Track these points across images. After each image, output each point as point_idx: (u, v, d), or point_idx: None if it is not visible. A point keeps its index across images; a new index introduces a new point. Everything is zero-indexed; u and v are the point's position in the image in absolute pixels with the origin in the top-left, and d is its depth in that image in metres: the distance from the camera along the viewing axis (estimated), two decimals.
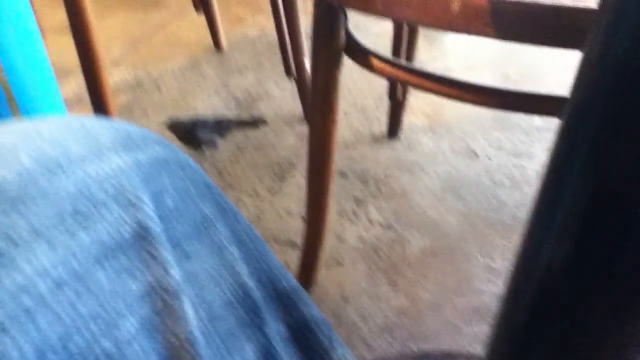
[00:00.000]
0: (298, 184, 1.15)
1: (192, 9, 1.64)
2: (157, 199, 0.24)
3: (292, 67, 1.22)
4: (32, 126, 0.24)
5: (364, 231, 1.03)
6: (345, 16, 0.67)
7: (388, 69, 0.66)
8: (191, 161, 0.28)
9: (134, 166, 0.24)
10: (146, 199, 0.24)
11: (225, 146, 1.26)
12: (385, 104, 1.36)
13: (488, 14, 0.49)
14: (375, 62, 0.66)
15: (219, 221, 0.27)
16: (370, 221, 1.06)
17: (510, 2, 0.47)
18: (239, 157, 1.23)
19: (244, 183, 1.16)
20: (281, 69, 1.51)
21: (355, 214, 1.07)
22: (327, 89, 0.71)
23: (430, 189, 1.12)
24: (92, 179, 0.22)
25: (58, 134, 0.23)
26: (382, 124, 1.30)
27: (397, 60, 0.67)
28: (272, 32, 1.73)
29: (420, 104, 1.36)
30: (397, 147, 1.24)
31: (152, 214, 0.23)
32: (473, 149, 1.22)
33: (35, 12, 1.55)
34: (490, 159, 1.18)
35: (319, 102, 0.73)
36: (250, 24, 1.80)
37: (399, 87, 1.16)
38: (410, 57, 1.11)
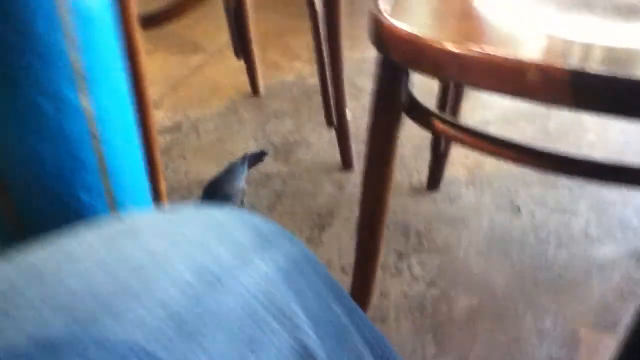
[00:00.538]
0: (337, 234, 1.14)
1: (229, 52, 1.66)
2: (304, 307, 0.23)
3: (333, 115, 1.22)
4: (169, 224, 0.23)
5: (407, 286, 1.01)
6: (408, 77, 0.66)
7: (451, 131, 0.65)
8: (314, 256, 0.27)
9: (277, 271, 0.23)
10: (298, 310, 0.23)
11: (263, 193, 1.26)
12: (423, 154, 1.35)
13: (568, 85, 0.48)
14: (438, 124, 0.65)
15: (351, 324, 0.26)
16: (414, 276, 1.03)
17: (596, 74, 0.46)
18: (276, 204, 1.23)
19: None
20: (318, 115, 1.51)
21: (397, 267, 1.05)
22: (384, 148, 0.71)
23: (473, 244, 1.10)
24: (249, 293, 0.22)
25: (200, 235, 0.23)
26: (420, 175, 1.29)
27: (459, 123, 0.66)
28: (308, 78, 1.75)
29: (460, 156, 1.35)
30: (437, 199, 1.22)
31: (309, 331, 0.23)
32: (515, 203, 1.19)
33: None
34: (533, 215, 1.16)
35: (375, 160, 0.72)
36: (287, 70, 1.82)
37: (443, 140, 1.15)
38: (455, 111, 1.10)
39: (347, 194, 1.25)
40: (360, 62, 1.81)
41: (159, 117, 1.58)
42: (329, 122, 1.23)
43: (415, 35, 0.56)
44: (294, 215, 1.19)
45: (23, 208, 0.34)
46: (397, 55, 0.60)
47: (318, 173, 1.32)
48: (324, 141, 1.44)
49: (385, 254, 1.08)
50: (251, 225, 0.25)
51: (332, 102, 1.20)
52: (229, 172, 1.19)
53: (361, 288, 0.85)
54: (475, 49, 0.51)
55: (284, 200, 1.24)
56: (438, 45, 0.53)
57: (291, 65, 1.84)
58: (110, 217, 0.27)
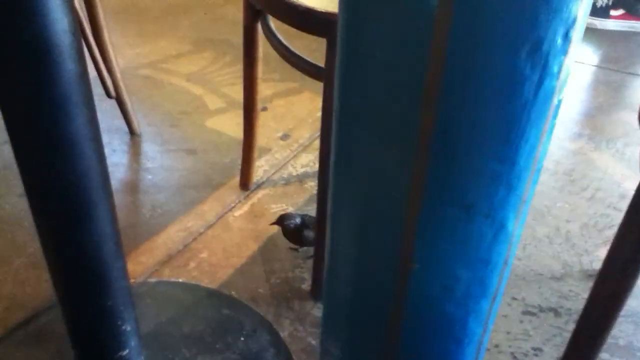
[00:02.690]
0: (503, 314, 1.06)
1: None
2: None
3: None
4: None
5: None
6: None
7: None
8: None
9: None
10: None
11: None
12: (592, 233, 1.26)
13: None
14: None
15: None
16: None
17: None
18: None
19: None
20: None
21: None
22: None
23: None
24: None
25: None
26: (591, 256, 1.19)
27: None
28: None
29: None
30: None
31: None
32: None
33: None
34: None
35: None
36: None
37: None
38: None
39: (512, 269, 1.16)
40: None
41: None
42: None
43: None
44: None
45: (412, 327, 0.30)
46: None
47: None
48: None
49: (560, 345, 0.99)
50: None
51: None
52: (312, 219, 1.12)
53: None
54: None
55: None
56: None
57: None
58: None
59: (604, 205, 1.36)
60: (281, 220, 1.12)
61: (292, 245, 1.19)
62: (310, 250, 1.14)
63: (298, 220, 1.11)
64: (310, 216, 1.13)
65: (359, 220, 0.28)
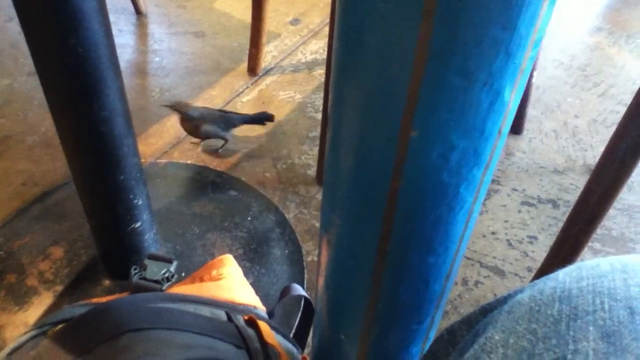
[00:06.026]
0: (504, 204, 1.09)
1: None
2: None
3: None
4: None
5: None
6: None
7: None
8: None
9: None
10: None
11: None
12: (599, 129, 1.26)
13: None
14: None
15: None
16: None
17: None
18: None
19: None
20: None
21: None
22: None
23: None
24: None
25: None
26: (595, 151, 1.20)
27: None
28: None
29: None
30: None
31: None
32: None
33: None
34: None
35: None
36: None
37: None
38: None
39: (515, 162, 1.18)
40: None
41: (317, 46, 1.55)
42: None
43: None
44: None
45: (409, 195, 0.32)
46: None
47: None
48: None
49: (552, 234, 1.03)
50: None
51: None
52: (224, 118, 1.11)
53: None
54: None
55: None
56: None
57: None
58: None
59: (615, 101, 1.34)
60: (179, 110, 1.10)
61: (192, 140, 1.19)
62: (215, 142, 1.15)
63: (196, 113, 1.10)
64: (209, 109, 1.13)
65: (363, 90, 0.29)
